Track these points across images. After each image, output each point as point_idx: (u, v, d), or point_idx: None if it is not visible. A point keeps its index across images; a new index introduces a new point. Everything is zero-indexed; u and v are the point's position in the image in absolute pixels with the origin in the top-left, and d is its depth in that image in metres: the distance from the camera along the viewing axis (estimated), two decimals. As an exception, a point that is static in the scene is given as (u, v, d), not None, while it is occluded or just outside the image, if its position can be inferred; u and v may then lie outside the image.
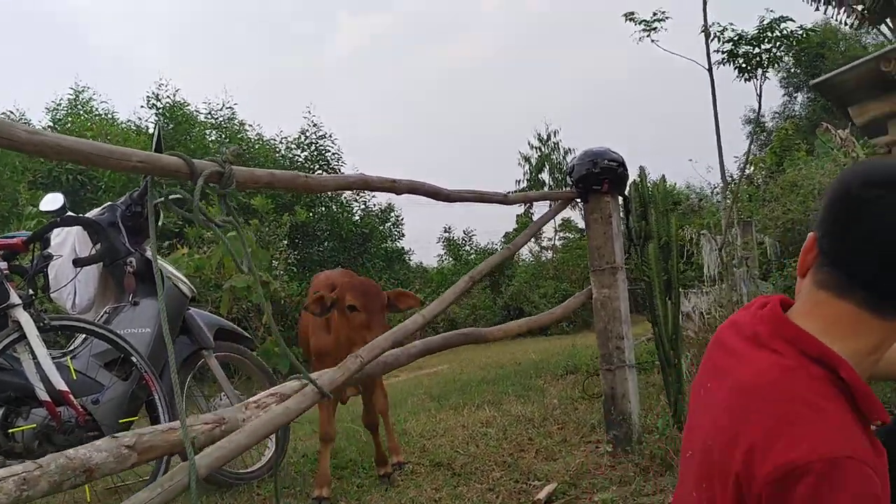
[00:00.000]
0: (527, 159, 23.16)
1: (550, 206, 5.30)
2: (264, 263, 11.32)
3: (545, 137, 22.64)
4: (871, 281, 1.22)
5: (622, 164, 5.13)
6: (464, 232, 25.98)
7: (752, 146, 26.94)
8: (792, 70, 26.54)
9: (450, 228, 25.92)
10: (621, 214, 5.24)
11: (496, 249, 24.60)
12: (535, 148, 22.80)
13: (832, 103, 6.19)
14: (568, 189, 5.24)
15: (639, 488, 4.19)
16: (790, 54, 25.86)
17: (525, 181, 23.19)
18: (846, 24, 15.00)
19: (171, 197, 2.52)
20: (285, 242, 16.34)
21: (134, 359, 4.00)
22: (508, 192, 4.40)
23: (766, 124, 29.13)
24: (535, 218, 19.98)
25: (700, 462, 1.31)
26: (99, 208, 4.61)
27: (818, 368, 1.21)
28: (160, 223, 4.57)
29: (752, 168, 14.71)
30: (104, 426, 3.79)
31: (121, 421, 3.92)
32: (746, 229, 10.12)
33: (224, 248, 2.67)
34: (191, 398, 4.93)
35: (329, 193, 19.59)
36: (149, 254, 4.50)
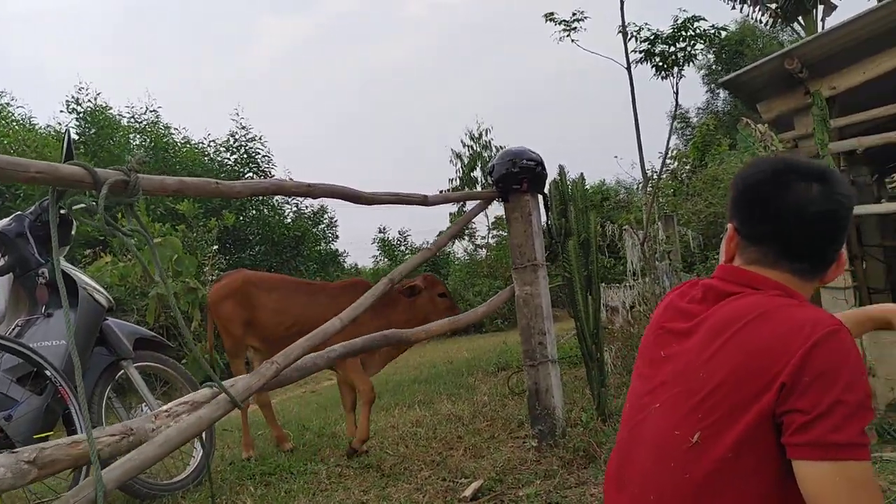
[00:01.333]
0: (458, 156, 23.28)
1: (466, 205, 5.35)
2: (191, 270, 11.12)
3: (477, 136, 22.82)
4: (798, 253, 1.52)
5: (540, 164, 5.21)
6: (399, 232, 25.97)
7: (678, 142, 27.58)
8: (713, 66, 27.24)
9: (385, 229, 25.86)
10: (541, 212, 5.33)
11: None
12: (468, 146, 22.97)
13: (742, 100, 6.38)
14: (489, 189, 5.30)
15: (562, 481, 4.28)
16: (711, 51, 26.65)
17: (458, 179, 23.32)
18: (761, 22, 15.54)
19: (74, 207, 2.47)
20: (215, 247, 16.09)
21: (48, 372, 3.91)
22: (427, 195, 4.41)
23: (691, 120, 29.83)
24: (466, 217, 20.03)
25: (692, 397, 1.43)
26: (6, 219, 4.49)
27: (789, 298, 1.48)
28: (73, 231, 4.47)
29: (676, 163, 15.06)
30: (17, 442, 3.70)
31: (35, 436, 3.83)
32: (669, 223, 10.37)
33: (137, 256, 2.63)
34: (111, 410, 4.83)
35: (260, 196, 19.33)
36: (64, 265, 4.40)
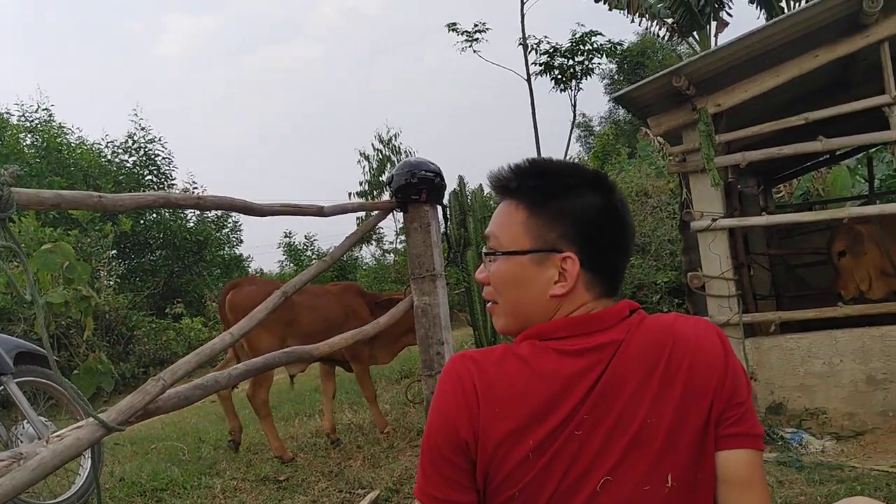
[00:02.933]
0: (366, 157, 23.21)
1: (367, 216, 5.35)
2: (84, 277, 10.69)
3: (386, 140, 22.82)
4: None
5: (439, 175, 5.25)
6: (305, 237, 25.66)
7: (581, 150, 28.22)
8: (616, 77, 28.02)
9: (291, 233, 25.51)
10: (440, 222, 5.37)
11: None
12: (377, 150, 22.93)
13: (634, 115, 6.60)
14: (387, 199, 5.31)
15: (457, 490, 4.31)
16: (613, 62, 27.40)
17: (367, 182, 23.25)
18: (658, 35, 16.05)
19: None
20: (112, 253, 15.54)
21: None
22: (324, 206, 4.38)
23: (594, 128, 30.60)
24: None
25: (648, 446, 1.34)
26: None
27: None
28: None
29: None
30: None
31: None
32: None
33: (24, 266, 2.49)
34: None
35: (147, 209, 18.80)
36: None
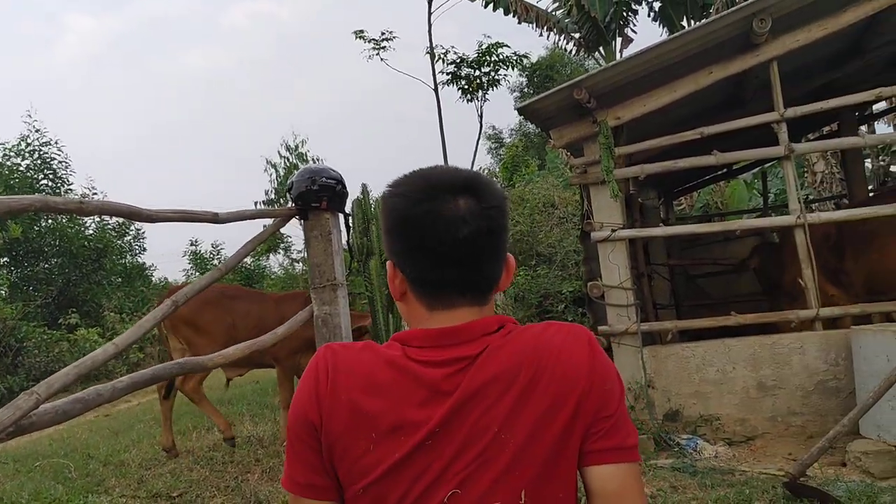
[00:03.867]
0: (273, 166, 22.82)
1: (264, 225, 5.22)
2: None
3: (293, 147, 22.47)
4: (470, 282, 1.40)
5: (341, 182, 5.16)
6: (212, 245, 25.04)
7: (492, 161, 28.49)
8: (525, 90, 28.42)
9: (197, 241, 24.84)
10: (342, 231, 5.29)
11: (245, 262, 23.91)
12: (284, 157, 22.56)
13: (537, 126, 6.68)
14: (287, 206, 5.20)
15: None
16: (524, 74, 27.80)
17: (273, 190, 22.85)
18: (566, 50, 16.36)
19: None
20: (3, 260, 14.80)
21: None
22: (218, 212, 4.24)
23: (504, 140, 30.92)
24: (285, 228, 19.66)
25: (495, 462, 1.31)
26: None
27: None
28: None
29: (487, 182, 15.50)
30: None
31: None
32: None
33: None
34: None
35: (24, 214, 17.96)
36: None
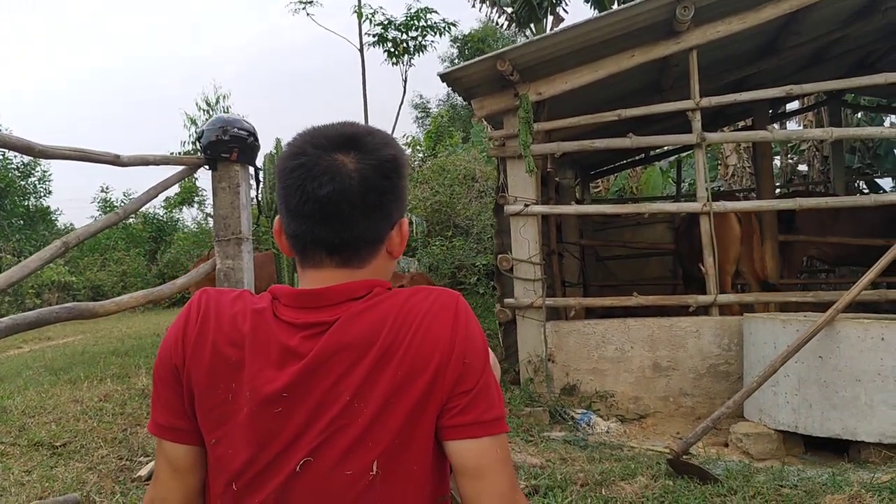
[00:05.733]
0: (193, 121, 22.16)
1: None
2: None
3: (214, 101, 21.88)
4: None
5: (253, 135, 5.03)
6: (123, 193, 24.21)
7: (419, 130, 28.34)
8: (455, 60, 28.31)
9: (108, 188, 23.95)
10: (251, 185, 5.17)
11: (158, 213, 23.28)
12: (204, 110, 21.93)
13: (459, 95, 6.65)
14: (196, 155, 5.04)
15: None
16: (455, 46, 27.68)
17: (190, 143, 22.19)
18: (498, 23, 16.33)
19: None
20: None
21: None
22: (120, 155, 4.08)
23: (432, 110, 30.80)
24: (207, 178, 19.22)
25: (347, 431, 1.28)
26: None
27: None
28: None
29: (410, 150, 15.46)
30: None
31: None
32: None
33: None
34: None
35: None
36: None
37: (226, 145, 4.90)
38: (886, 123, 14.66)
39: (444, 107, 29.55)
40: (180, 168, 4.98)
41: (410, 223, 12.52)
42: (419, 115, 30.44)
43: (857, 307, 6.83)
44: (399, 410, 1.28)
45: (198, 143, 5.09)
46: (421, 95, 30.39)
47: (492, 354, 1.81)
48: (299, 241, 1.38)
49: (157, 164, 4.74)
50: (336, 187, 1.30)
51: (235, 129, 4.94)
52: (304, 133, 1.41)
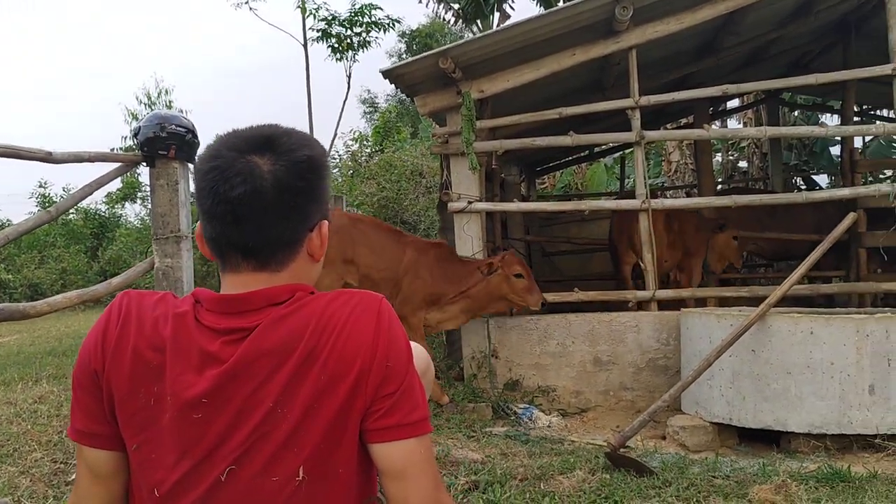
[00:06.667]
0: (134, 116, 21.73)
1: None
2: None
3: (156, 95, 21.47)
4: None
5: (192, 131, 4.97)
6: (63, 189, 23.60)
7: (367, 126, 28.22)
8: (403, 56, 28.23)
9: (46, 184, 23.32)
10: (190, 182, 5.11)
11: (100, 209, 22.78)
12: (146, 105, 21.50)
13: (402, 92, 6.65)
14: (133, 152, 4.97)
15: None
16: (403, 41, 27.63)
17: (131, 138, 21.74)
18: (445, 19, 16.36)
19: None
20: None
21: None
22: (52, 151, 3.99)
23: (381, 106, 30.66)
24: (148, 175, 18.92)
25: (270, 438, 1.28)
26: None
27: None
28: None
29: (357, 145, 15.40)
30: None
31: None
32: (337, 204, 10.57)
33: None
34: None
35: None
36: None
37: (163, 142, 4.84)
38: (830, 123, 15.07)
39: (392, 102, 29.46)
40: (116, 165, 4.90)
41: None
42: (367, 110, 30.28)
43: (795, 302, 7.04)
44: (323, 415, 1.28)
45: (135, 140, 5.02)
46: (369, 90, 30.22)
47: (426, 354, 1.83)
48: (216, 245, 1.37)
49: (92, 161, 4.66)
50: (248, 189, 1.29)
51: (173, 126, 4.87)
52: (222, 136, 1.41)
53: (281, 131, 1.39)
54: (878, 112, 11.43)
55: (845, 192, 6.55)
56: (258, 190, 1.29)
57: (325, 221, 1.42)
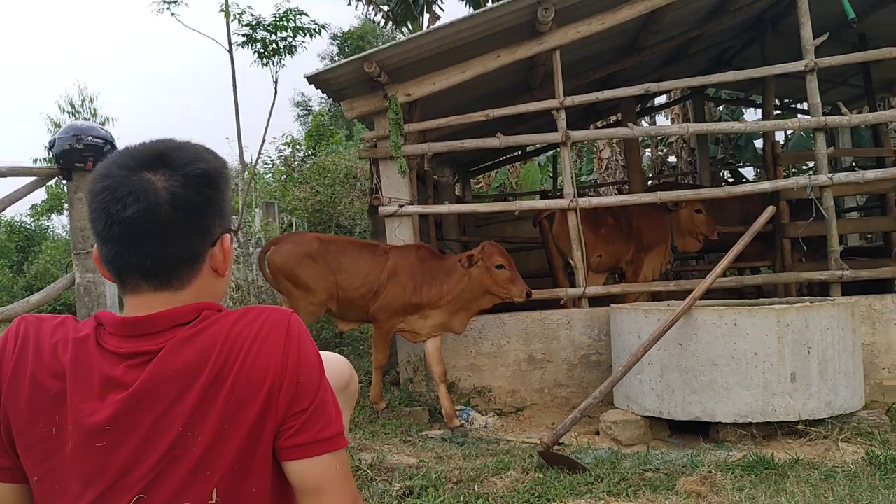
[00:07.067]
0: (57, 125, 21.11)
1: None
2: None
3: (79, 103, 20.87)
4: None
5: (110, 142, 4.87)
6: (-19, 202, 22.78)
7: (301, 129, 27.96)
8: (336, 58, 28.05)
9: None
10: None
11: (25, 221, 22.08)
12: (70, 113, 20.88)
13: (329, 96, 6.60)
14: (49, 166, 4.83)
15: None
16: (335, 44, 27.45)
17: (46, 151, 21.14)
18: (375, 21, 16.31)
19: None
20: None
21: None
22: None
23: (314, 109, 30.43)
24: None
25: (181, 462, 1.24)
26: None
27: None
28: None
29: (290, 150, 15.25)
30: None
31: None
32: (269, 210, 10.46)
33: None
34: None
35: None
36: None
37: (80, 154, 4.72)
38: (755, 116, 15.48)
39: (325, 105, 29.27)
40: (31, 179, 4.76)
41: (290, 225, 12.38)
42: (301, 114, 30.01)
43: (728, 293, 7.20)
44: (234, 436, 1.26)
45: (49, 152, 4.88)
46: (303, 94, 29.94)
47: (348, 366, 1.81)
48: (113, 267, 1.33)
49: (5, 176, 4.53)
50: (141, 207, 1.25)
51: (90, 138, 4.76)
52: (115, 154, 1.37)
53: (174, 145, 1.36)
54: (798, 105, 11.77)
55: (766, 185, 6.73)
56: (152, 208, 1.26)
57: (228, 235, 1.39)
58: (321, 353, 1.74)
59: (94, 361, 1.28)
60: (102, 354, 1.29)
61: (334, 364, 1.76)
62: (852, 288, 6.36)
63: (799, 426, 4.76)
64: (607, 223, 7.17)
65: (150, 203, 1.26)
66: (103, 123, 19.68)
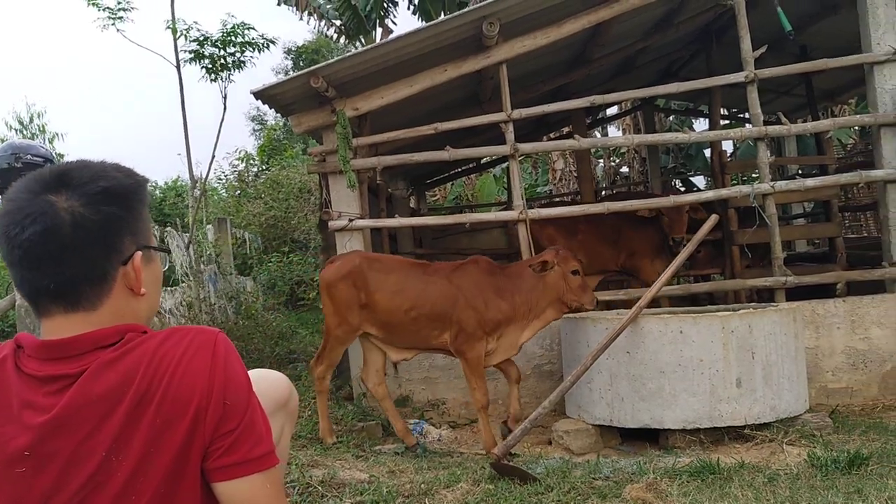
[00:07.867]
0: (2, 141, 20.68)
1: None
2: None
3: (27, 119, 20.47)
4: None
5: (50, 160, 4.78)
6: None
7: (256, 144, 27.76)
8: (290, 72, 27.94)
9: None
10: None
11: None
12: (16, 130, 20.46)
13: (277, 111, 6.58)
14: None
15: None
16: (289, 58, 27.33)
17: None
18: (328, 36, 16.30)
19: None
20: None
21: None
22: None
23: (268, 123, 30.25)
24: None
25: (111, 482, 1.24)
26: None
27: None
28: None
29: (243, 165, 15.14)
30: None
31: None
32: (221, 226, 10.37)
33: None
34: None
35: None
36: None
37: (18, 173, 4.60)
38: (703, 126, 15.76)
39: (279, 119, 29.10)
40: (-32, 200, 4.67)
41: (244, 240, 12.27)
42: (256, 128, 29.77)
43: (680, 301, 7.29)
44: (161, 460, 1.25)
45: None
46: (258, 108, 29.69)
47: (287, 383, 1.80)
48: (23, 291, 1.33)
49: (-60, 197, 4.42)
50: (37, 229, 1.25)
51: (29, 156, 4.67)
52: (23, 178, 1.36)
53: (77, 165, 1.36)
54: (745, 115, 12.02)
55: (709, 194, 6.87)
56: (50, 228, 1.25)
57: (139, 253, 1.37)
58: (259, 370, 1.74)
59: (13, 385, 1.27)
60: (21, 378, 1.27)
61: (271, 381, 1.76)
62: (800, 293, 6.49)
63: (745, 430, 4.84)
64: (581, 230, 7.27)
65: (48, 224, 1.25)
66: (52, 139, 19.30)
